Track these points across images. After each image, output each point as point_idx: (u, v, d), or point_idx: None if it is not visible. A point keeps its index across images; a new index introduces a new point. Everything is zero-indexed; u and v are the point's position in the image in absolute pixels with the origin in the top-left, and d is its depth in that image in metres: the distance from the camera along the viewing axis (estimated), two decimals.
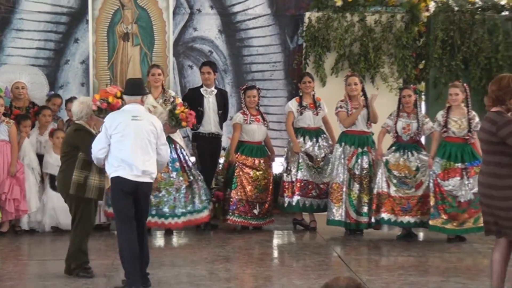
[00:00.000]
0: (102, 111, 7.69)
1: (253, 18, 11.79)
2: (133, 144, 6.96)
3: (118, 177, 7.00)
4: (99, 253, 8.61)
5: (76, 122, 7.64)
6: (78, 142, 7.46)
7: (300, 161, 10.02)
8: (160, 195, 9.56)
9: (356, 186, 9.74)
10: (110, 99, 7.82)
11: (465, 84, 9.65)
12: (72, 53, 11.57)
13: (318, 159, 10.08)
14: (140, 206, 7.11)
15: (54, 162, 9.55)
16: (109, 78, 11.21)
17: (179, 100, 9.84)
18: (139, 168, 6.95)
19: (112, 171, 7.06)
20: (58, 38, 11.54)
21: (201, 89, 10.35)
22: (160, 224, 9.67)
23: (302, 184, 10.03)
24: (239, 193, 9.95)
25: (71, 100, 9.67)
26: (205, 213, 9.84)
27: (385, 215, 9.52)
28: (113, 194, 7.18)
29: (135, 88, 7.28)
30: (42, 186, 9.94)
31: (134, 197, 7.04)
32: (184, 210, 9.66)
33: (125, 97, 7.37)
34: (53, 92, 10.87)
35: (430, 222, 9.41)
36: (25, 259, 8.96)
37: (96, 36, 11.21)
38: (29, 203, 9.73)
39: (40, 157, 9.95)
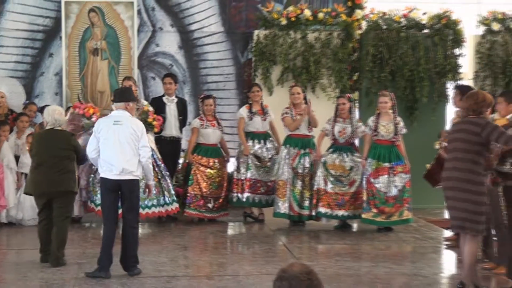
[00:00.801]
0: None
1: (208, 35, 11.78)
2: (113, 146, 7.05)
3: (102, 177, 7.19)
4: (72, 243, 8.50)
5: (59, 128, 7.67)
6: (77, 145, 7.68)
7: (249, 162, 10.04)
8: None
9: (299, 183, 9.77)
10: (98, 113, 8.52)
11: (392, 93, 9.77)
12: (47, 66, 11.46)
13: (266, 160, 10.12)
14: (126, 201, 7.14)
15: (29, 162, 9.44)
16: (80, 88, 11.14)
17: (149, 108, 9.83)
18: (118, 168, 7.02)
19: (100, 172, 7.23)
20: (34, 53, 11.43)
21: (163, 98, 10.36)
22: None
23: (252, 182, 10.05)
24: (195, 189, 9.95)
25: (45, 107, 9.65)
26: (174, 205, 9.81)
27: (322, 209, 9.57)
28: (100, 192, 7.39)
29: (120, 96, 7.38)
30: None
31: (121, 194, 7.12)
32: (154, 203, 9.61)
33: (114, 104, 7.50)
34: (28, 101, 10.77)
35: (363, 216, 9.47)
36: (4, 248, 8.88)
37: (68, 51, 11.13)
38: (8, 199, 9.63)
39: (17, 158, 9.86)
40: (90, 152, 7.21)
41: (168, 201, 9.73)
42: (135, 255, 7.19)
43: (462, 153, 6.36)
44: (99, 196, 9.48)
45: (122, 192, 7.11)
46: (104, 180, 7.15)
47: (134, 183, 7.15)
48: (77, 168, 7.75)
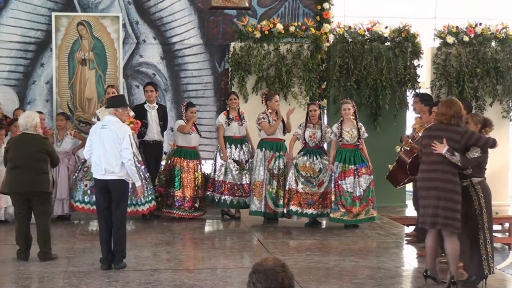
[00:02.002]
0: None
1: (188, 47, 11.74)
2: (98, 148, 7.07)
3: (93, 177, 7.26)
4: (61, 239, 8.49)
5: (35, 132, 7.54)
6: (51, 148, 7.65)
7: (227, 167, 9.98)
8: None
9: (274, 183, 9.73)
10: None
11: (353, 101, 9.73)
12: (39, 75, 11.38)
13: (243, 163, 10.06)
14: (113, 200, 7.09)
15: None
16: (69, 96, 11.05)
17: (131, 112, 9.74)
18: (102, 168, 7.03)
19: (92, 172, 7.29)
20: (27, 63, 11.33)
21: (145, 105, 10.28)
22: None
23: (229, 186, 9.98)
24: (184, 193, 9.90)
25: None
26: (146, 207, 9.73)
27: (293, 207, 9.52)
28: (95, 191, 7.46)
29: (111, 102, 7.40)
30: None
31: (109, 192, 7.08)
32: (129, 202, 9.51)
33: (107, 109, 7.48)
34: (16, 108, 10.72)
35: (331, 215, 9.40)
36: (1, 244, 8.76)
37: (58, 61, 11.03)
38: (4, 199, 9.47)
39: None
40: (85, 153, 7.33)
41: (139, 202, 9.64)
42: (123, 250, 7.13)
43: (442, 157, 6.27)
44: (77, 192, 9.55)
45: (109, 191, 7.06)
46: (94, 180, 7.25)
47: (119, 183, 7.09)
48: (51, 171, 7.58)
